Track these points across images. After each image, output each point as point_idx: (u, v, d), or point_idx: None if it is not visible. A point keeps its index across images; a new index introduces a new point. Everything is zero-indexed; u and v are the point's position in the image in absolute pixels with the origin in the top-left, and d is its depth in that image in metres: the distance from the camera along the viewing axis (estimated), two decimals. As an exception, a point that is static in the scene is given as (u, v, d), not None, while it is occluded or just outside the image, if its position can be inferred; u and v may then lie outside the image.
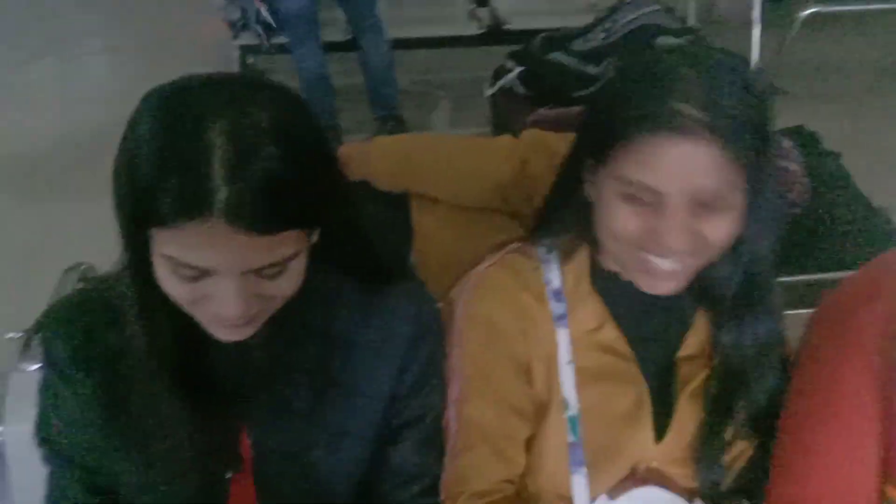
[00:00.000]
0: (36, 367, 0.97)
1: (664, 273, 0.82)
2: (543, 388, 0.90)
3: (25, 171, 3.03)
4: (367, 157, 1.33)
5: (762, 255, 0.85)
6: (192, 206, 0.64)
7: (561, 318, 0.89)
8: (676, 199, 0.76)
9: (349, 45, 3.00)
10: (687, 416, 0.91)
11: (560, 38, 2.51)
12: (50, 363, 0.84)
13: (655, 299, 0.86)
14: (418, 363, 0.87)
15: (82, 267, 1.16)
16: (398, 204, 1.34)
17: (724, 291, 0.87)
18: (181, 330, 0.77)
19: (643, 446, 0.89)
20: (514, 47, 2.60)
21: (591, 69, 2.41)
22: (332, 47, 3.02)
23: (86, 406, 0.83)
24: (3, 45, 4.01)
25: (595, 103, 0.86)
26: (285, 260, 0.70)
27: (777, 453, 0.88)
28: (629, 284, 0.87)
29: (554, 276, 0.91)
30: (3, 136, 3.24)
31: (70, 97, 3.64)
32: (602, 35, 2.48)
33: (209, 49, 3.32)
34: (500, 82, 2.58)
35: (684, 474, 0.91)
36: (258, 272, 0.70)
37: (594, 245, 0.89)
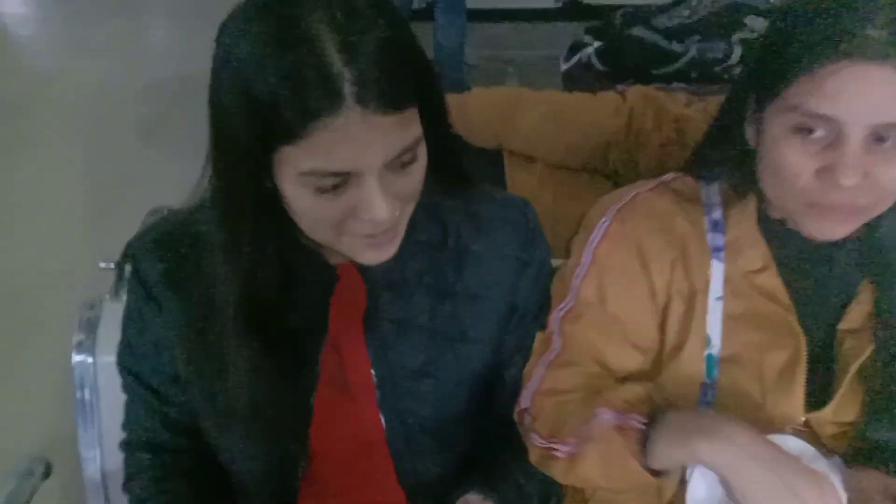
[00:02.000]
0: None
1: (834, 214, 0.76)
2: (679, 325, 0.85)
3: (97, 121, 3.11)
4: (464, 108, 1.29)
5: None
6: (322, 101, 0.63)
7: (718, 250, 0.84)
8: (856, 131, 0.71)
9: (423, 15, 2.95)
10: (849, 394, 0.83)
11: (642, 14, 2.44)
12: (140, 284, 0.84)
13: (823, 255, 0.82)
14: (533, 268, 0.88)
15: (165, 211, 1.16)
16: (493, 161, 1.30)
17: (892, 258, 0.81)
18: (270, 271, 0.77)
19: (790, 412, 0.82)
20: (591, 23, 2.52)
21: (675, 46, 2.34)
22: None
23: (172, 330, 0.83)
24: (76, 4, 4.13)
25: (767, 37, 0.79)
26: (415, 143, 0.69)
27: None
28: (796, 234, 0.82)
29: (715, 207, 0.86)
30: (83, 86, 3.34)
31: (137, 55, 3.72)
32: (686, 12, 2.41)
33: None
34: (577, 56, 2.51)
35: (833, 437, 0.85)
36: (392, 167, 0.69)
37: (759, 194, 0.84)
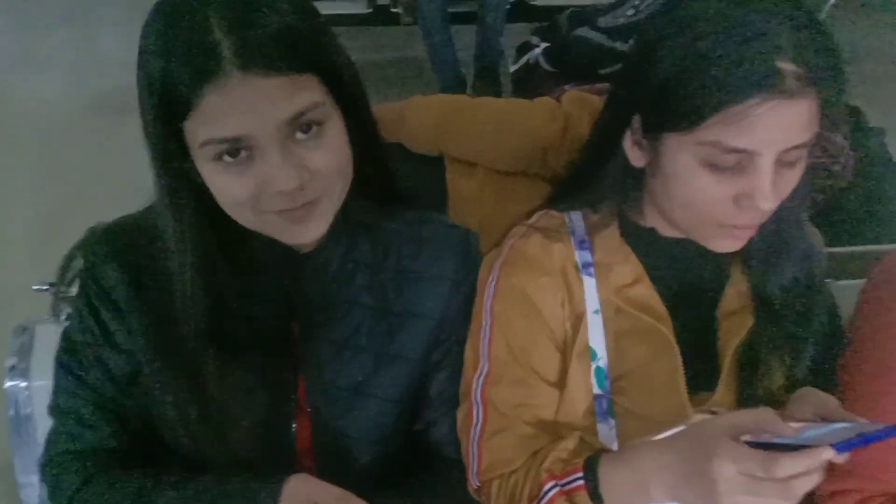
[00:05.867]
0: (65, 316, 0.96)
1: (742, 231, 0.80)
2: (572, 347, 0.88)
3: (45, 135, 3.05)
4: (403, 117, 1.30)
5: (798, 198, 0.83)
6: (202, 68, 0.66)
7: (586, 266, 0.87)
8: (768, 158, 0.73)
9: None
10: (734, 371, 0.88)
11: (587, 15, 2.45)
12: (98, 289, 0.82)
13: (693, 253, 0.85)
14: (465, 288, 0.91)
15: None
16: (434, 167, 1.31)
17: (756, 236, 0.84)
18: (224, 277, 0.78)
19: (677, 414, 0.85)
20: (539, 24, 2.55)
21: (619, 46, 2.37)
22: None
23: (136, 334, 0.82)
24: (21, 15, 4.04)
25: (670, 76, 0.76)
26: (311, 107, 0.70)
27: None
28: (667, 241, 0.86)
29: (578, 225, 0.89)
30: (30, 99, 3.27)
31: (87, 65, 3.65)
32: (630, 11, 2.43)
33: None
34: (525, 58, 2.54)
35: None
36: (293, 136, 0.71)
37: (621, 209, 0.88)
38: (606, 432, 0.86)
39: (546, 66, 2.46)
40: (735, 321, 0.89)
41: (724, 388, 0.88)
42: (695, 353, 0.87)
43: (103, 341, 0.84)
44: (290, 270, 0.83)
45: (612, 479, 0.77)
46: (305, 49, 0.70)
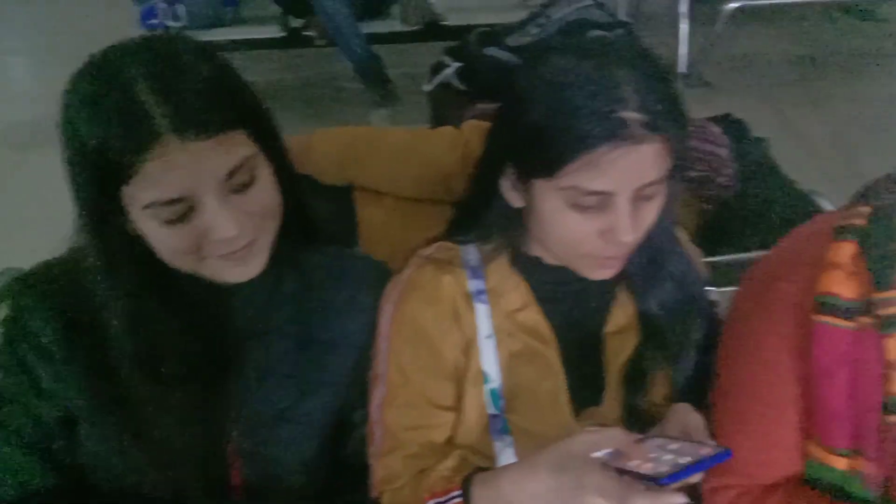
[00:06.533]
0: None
1: (612, 261, 0.88)
2: (465, 373, 0.93)
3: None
4: (309, 150, 1.33)
5: (664, 225, 0.91)
6: (141, 137, 0.70)
7: (479, 293, 0.93)
8: (625, 197, 0.81)
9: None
10: (619, 386, 0.95)
11: (495, 34, 2.52)
12: (24, 335, 0.84)
13: (577, 279, 0.91)
14: None
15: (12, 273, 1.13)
16: (342, 197, 1.34)
17: (634, 259, 0.91)
18: (157, 310, 0.81)
19: (563, 430, 0.89)
20: (452, 43, 2.60)
21: (528, 63, 2.44)
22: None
23: (69, 378, 0.84)
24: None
25: (528, 126, 0.82)
26: (244, 161, 0.76)
27: (711, 420, 0.92)
28: (553, 268, 0.92)
29: (472, 255, 0.94)
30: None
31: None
32: (536, 30, 2.51)
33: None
34: (438, 78, 2.59)
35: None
36: (231, 187, 0.75)
37: (511, 240, 0.93)
38: (503, 449, 0.91)
39: (459, 86, 2.53)
40: (621, 339, 0.96)
41: (611, 403, 0.94)
42: (583, 370, 0.94)
43: (29, 388, 0.84)
44: (219, 304, 0.86)
45: (482, 498, 0.83)
46: (233, 108, 0.75)
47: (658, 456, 0.76)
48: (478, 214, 0.94)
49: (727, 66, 3.63)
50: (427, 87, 2.60)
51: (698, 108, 3.24)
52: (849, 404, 0.84)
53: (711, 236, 1.51)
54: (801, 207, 1.56)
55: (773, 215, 1.54)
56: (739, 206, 1.54)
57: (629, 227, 0.82)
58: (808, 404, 0.87)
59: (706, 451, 0.75)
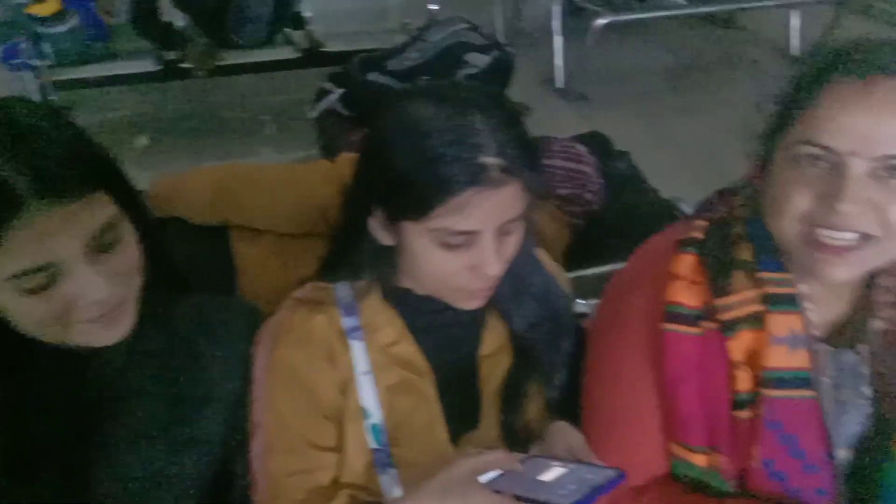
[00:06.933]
0: None
1: (481, 292, 0.92)
2: (345, 411, 0.94)
3: None
4: (180, 190, 1.31)
5: (525, 249, 0.96)
6: (4, 207, 0.69)
7: (353, 330, 0.94)
8: (489, 234, 0.86)
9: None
10: (494, 409, 0.98)
11: (376, 59, 2.56)
12: None
13: (447, 307, 0.94)
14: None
15: None
16: (218, 238, 1.33)
17: (499, 284, 0.95)
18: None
19: (442, 459, 0.91)
20: (334, 69, 2.61)
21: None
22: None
23: None
24: None
25: (389, 167, 0.86)
26: (109, 222, 0.76)
27: (583, 429, 0.97)
28: (424, 299, 0.95)
29: (344, 292, 0.96)
30: None
31: None
32: (415, 54, 2.56)
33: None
34: (321, 105, 2.60)
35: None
36: (97, 249, 0.75)
37: (381, 275, 0.96)
38: (389, 483, 0.93)
39: (343, 111, 2.54)
40: (494, 361, 1.00)
41: (487, 425, 0.98)
42: (459, 397, 0.97)
43: None
44: (76, 372, 0.84)
45: None
46: (92, 168, 0.75)
47: (552, 481, 0.78)
48: (348, 253, 0.96)
49: (602, 80, 3.79)
50: (312, 114, 2.61)
51: (576, 121, 3.40)
52: (702, 405, 0.90)
53: (583, 250, 1.58)
54: (666, 215, 1.65)
55: (639, 225, 1.63)
56: (608, 219, 1.62)
57: (495, 262, 0.87)
58: (666, 408, 0.93)
59: (601, 474, 0.77)
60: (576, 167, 1.57)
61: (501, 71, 2.38)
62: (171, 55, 2.94)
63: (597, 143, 1.76)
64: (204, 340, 0.92)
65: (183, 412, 0.89)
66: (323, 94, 2.57)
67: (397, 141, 0.86)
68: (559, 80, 3.69)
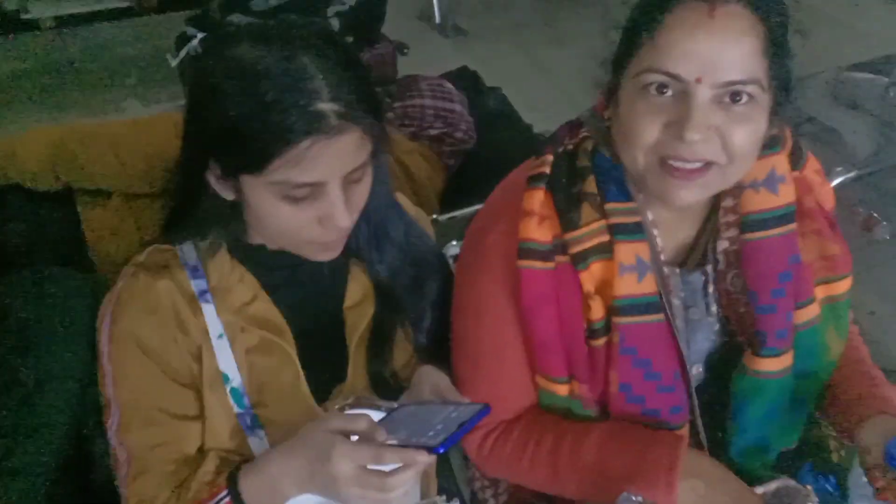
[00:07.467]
0: None
1: (334, 244, 0.88)
2: (203, 377, 0.90)
3: None
4: (14, 154, 1.20)
5: (382, 194, 0.94)
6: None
7: (203, 293, 0.90)
8: (335, 185, 0.81)
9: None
10: (361, 358, 0.97)
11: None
12: None
13: (305, 261, 0.91)
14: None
15: None
16: (61, 203, 1.23)
17: (358, 233, 0.94)
18: None
19: (309, 416, 0.91)
20: (193, 12, 2.47)
21: (275, 29, 2.37)
22: None
23: None
24: None
25: (219, 114, 0.79)
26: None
27: (453, 369, 0.98)
28: (277, 254, 0.91)
29: (190, 255, 0.91)
30: None
31: None
32: (280, -7, 2.44)
33: None
34: (184, 51, 2.45)
35: None
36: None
37: (235, 230, 0.91)
38: (259, 444, 0.91)
39: (207, 57, 2.40)
40: (359, 311, 0.98)
41: (356, 376, 0.96)
42: (325, 351, 0.95)
43: None
44: None
45: (251, 487, 0.82)
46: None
47: (420, 425, 0.78)
48: (189, 212, 0.90)
49: (479, 12, 3.75)
50: (174, 62, 2.46)
51: (455, 55, 3.36)
52: (559, 336, 0.92)
53: (459, 190, 1.58)
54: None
55: (512, 162, 1.63)
56: (481, 158, 1.61)
57: (344, 212, 0.83)
58: (526, 341, 0.94)
59: (468, 410, 0.78)
60: (444, 105, 1.55)
61: (373, 7, 2.30)
62: (12, 5, 2.70)
63: (466, 79, 1.73)
64: (38, 319, 0.86)
65: (22, 397, 0.84)
66: (184, 39, 2.43)
67: (224, 88, 0.78)
68: (436, 14, 3.63)
